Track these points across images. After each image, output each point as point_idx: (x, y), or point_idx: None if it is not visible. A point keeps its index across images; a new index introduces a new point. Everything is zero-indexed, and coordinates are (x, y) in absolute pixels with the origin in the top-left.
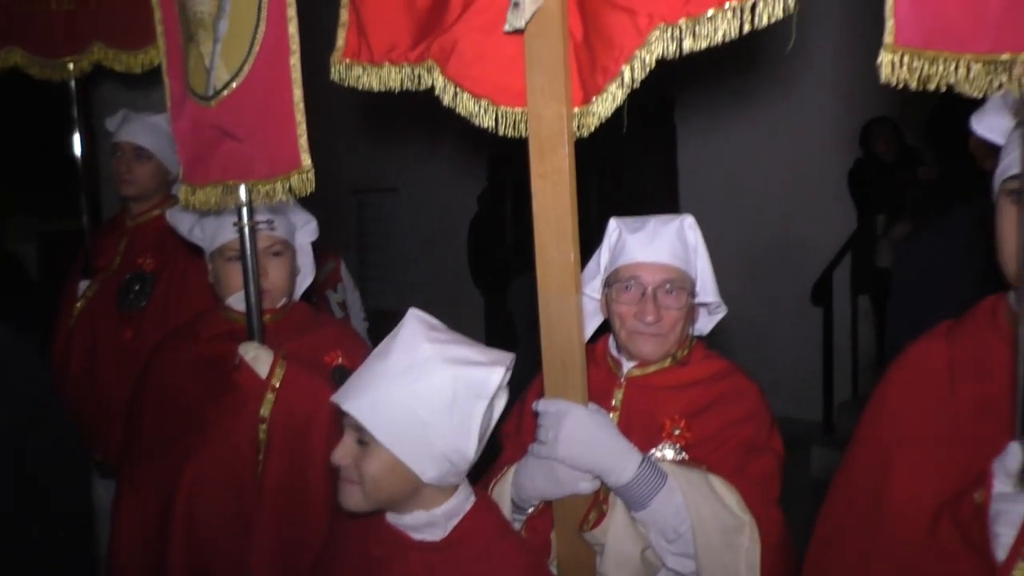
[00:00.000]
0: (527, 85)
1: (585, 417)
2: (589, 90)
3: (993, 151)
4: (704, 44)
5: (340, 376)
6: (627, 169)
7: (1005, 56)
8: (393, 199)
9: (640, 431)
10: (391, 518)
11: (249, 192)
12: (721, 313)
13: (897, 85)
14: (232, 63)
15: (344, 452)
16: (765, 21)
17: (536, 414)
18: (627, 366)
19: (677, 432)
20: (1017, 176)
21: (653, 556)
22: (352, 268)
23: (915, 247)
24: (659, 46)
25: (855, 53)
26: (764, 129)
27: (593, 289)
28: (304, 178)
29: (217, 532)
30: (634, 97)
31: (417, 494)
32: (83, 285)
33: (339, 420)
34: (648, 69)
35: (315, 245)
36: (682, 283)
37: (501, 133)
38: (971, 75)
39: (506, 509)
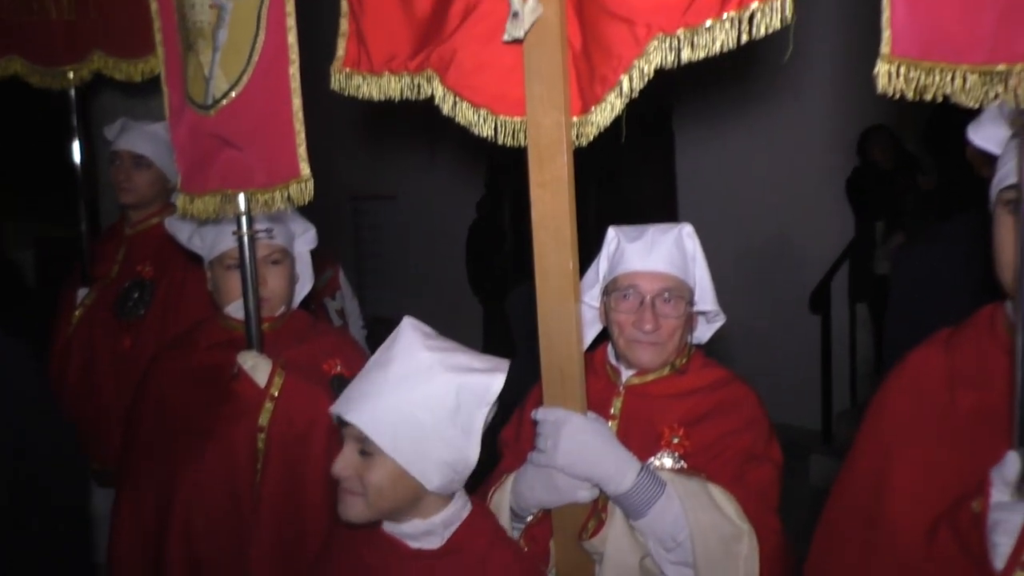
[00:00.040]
0: (526, 94)
1: (584, 425)
2: (588, 99)
3: (990, 159)
4: (702, 54)
5: (339, 384)
6: (626, 178)
7: (1001, 67)
8: (391, 206)
9: (639, 439)
10: (388, 527)
11: (248, 201)
12: (720, 322)
13: (894, 95)
14: (231, 72)
15: (345, 463)
16: (763, 32)
17: (535, 422)
18: (626, 374)
19: (676, 440)
20: (1014, 186)
21: (652, 565)
22: (350, 275)
23: (913, 255)
24: (657, 56)
25: (852, 61)
26: (762, 138)
27: (592, 297)
28: (303, 187)
29: (215, 540)
30: (632, 106)
31: (417, 503)
32: (81, 293)
33: (338, 431)
34: (647, 79)
35: (313, 253)
36: (680, 292)
37: (500, 142)
38: (967, 86)
39: (505, 518)
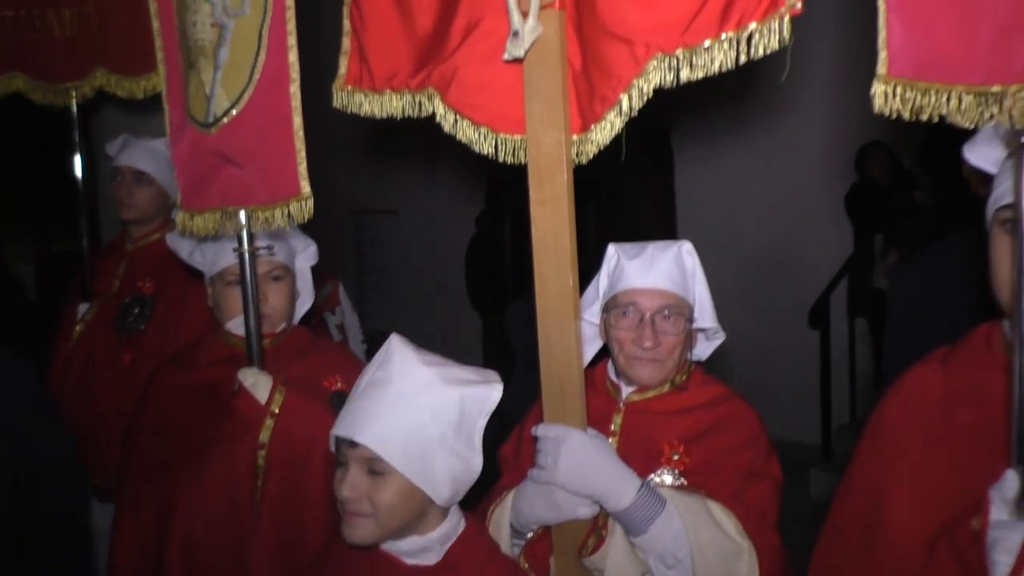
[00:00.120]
0: (526, 113)
1: (584, 442)
2: (588, 118)
3: (986, 178)
4: (701, 74)
5: (339, 401)
6: (625, 195)
7: (996, 88)
8: (393, 221)
9: (639, 456)
10: (385, 544)
11: (248, 218)
12: (719, 339)
13: (890, 115)
14: (232, 91)
15: (353, 485)
16: (761, 52)
17: (535, 439)
18: (626, 391)
19: (676, 457)
20: (1010, 205)
21: None
22: (350, 290)
23: (910, 274)
24: (656, 76)
25: (850, 79)
26: (760, 155)
27: (592, 314)
28: (303, 205)
29: (215, 557)
30: (632, 125)
31: (421, 519)
32: (82, 308)
33: (337, 453)
34: (646, 98)
35: (313, 268)
36: (680, 309)
37: (501, 160)
38: (963, 106)
39: (505, 534)
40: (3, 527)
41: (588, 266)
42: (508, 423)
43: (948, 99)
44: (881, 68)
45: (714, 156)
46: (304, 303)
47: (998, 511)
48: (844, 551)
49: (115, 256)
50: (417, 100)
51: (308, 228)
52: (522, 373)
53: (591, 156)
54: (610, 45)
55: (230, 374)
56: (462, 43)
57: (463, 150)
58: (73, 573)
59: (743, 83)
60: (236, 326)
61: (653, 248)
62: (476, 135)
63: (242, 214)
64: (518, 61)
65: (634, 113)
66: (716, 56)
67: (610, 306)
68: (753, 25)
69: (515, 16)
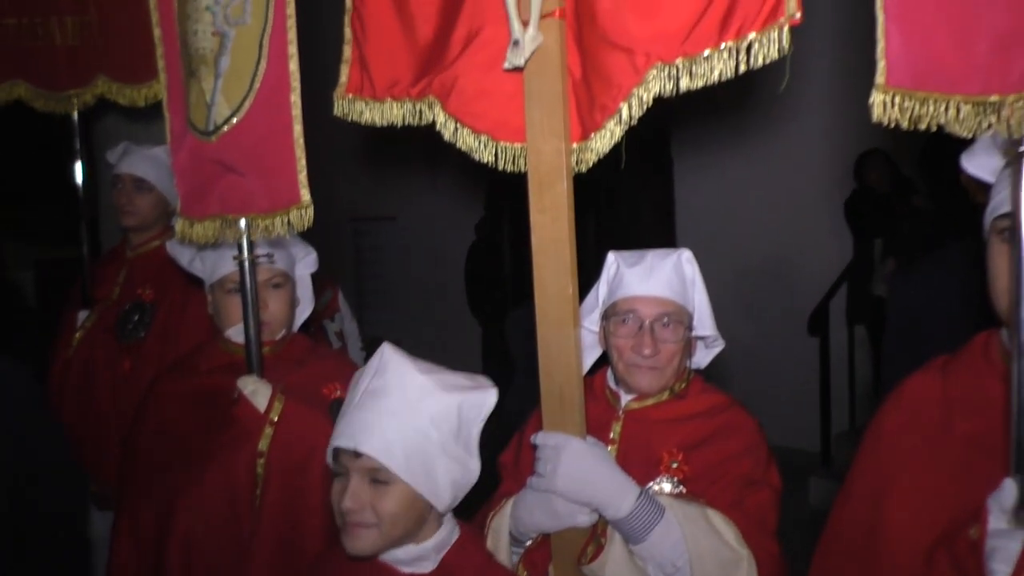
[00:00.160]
0: (526, 121)
1: (583, 450)
2: (587, 127)
3: (984, 186)
4: (701, 83)
5: (338, 409)
6: (624, 203)
7: (994, 98)
8: (391, 228)
9: (638, 464)
10: (381, 554)
11: (248, 226)
12: (718, 347)
13: (889, 124)
14: (233, 99)
15: (355, 496)
16: (760, 61)
17: (534, 447)
18: (625, 399)
19: (675, 465)
20: (1008, 214)
21: None
22: (351, 296)
23: (909, 282)
24: (656, 85)
25: (849, 87)
26: (759, 163)
27: (591, 322)
28: (303, 213)
29: (214, 564)
30: (631, 133)
31: (420, 527)
32: (82, 315)
33: (335, 463)
34: (646, 107)
35: (313, 275)
36: (679, 317)
37: (501, 168)
38: (961, 116)
39: (504, 542)
40: (3, 527)
41: (588, 274)
42: (508, 430)
43: (946, 108)
44: (880, 77)
45: (713, 164)
46: (304, 310)
47: (996, 520)
48: (843, 558)
49: (115, 263)
50: (418, 108)
51: (307, 234)
52: (522, 380)
53: (591, 164)
54: (610, 54)
55: (230, 382)
56: (463, 52)
57: (462, 157)
58: (72, 567)
59: (742, 92)
60: (236, 333)
61: (653, 256)
62: (476, 143)
63: (242, 222)
64: (518, 70)
65: (634, 122)
66: (716, 65)
67: (609, 313)
68: (752, 35)
69: (515, 25)
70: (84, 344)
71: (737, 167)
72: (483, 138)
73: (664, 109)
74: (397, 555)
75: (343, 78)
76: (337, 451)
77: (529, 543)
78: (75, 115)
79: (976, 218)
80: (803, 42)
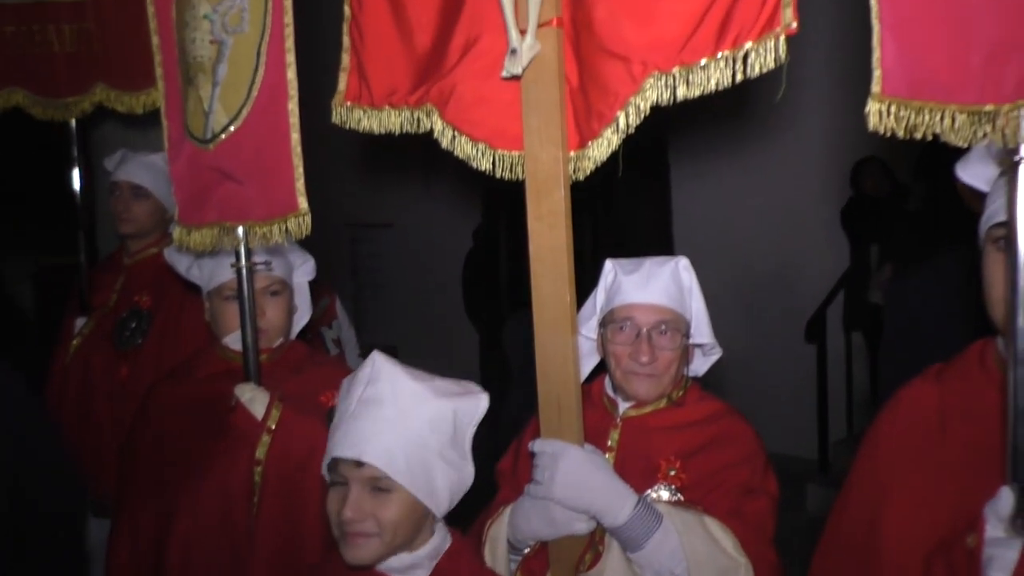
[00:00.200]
0: (524, 129)
1: (581, 458)
2: (585, 135)
3: (979, 194)
4: (697, 92)
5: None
6: (622, 211)
7: (989, 107)
8: (388, 235)
9: (636, 472)
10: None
11: (246, 234)
12: (716, 355)
13: (885, 133)
14: (231, 107)
15: (357, 506)
16: (757, 71)
17: (532, 454)
18: (623, 406)
19: (672, 473)
20: (1003, 223)
21: None
22: (347, 303)
23: (907, 288)
24: (653, 93)
25: (846, 94)
26: (756, 170)
27: (589, 329)
28: (301, 221)
29: (211, 572)
30: (628, 140)
31: (417, 535)
32: (79, 322)
33: (331, 473)
34: (643, 115)
35: (310, 282)
36: (676, 324)
37: (498, 176)
38: (956, 125)
39: (502, 550)
40: (3, 527)
41: (585, 281)
42: (506, 437)
43: (942, 118)
44: (875, 87)
45: (710, 172)
46: (301, 318)
47: (993, 528)
48: (840, 566)
49: (113, 270)
50: (415, 116)
51: (304, 241)
52: (519, 387)
53: (588, 172)
54: (607, 63)
55: (227, 389)
56: (460, 60)
57: (459, 164)
58: (72, 566)
59: (739, 100)
60: (233, 341)
61: (650, 264)
62: (474, 151)
63: (240, 229)
64: (516, 78)
65: (631, 130)
66: (712, 74)
67: (607, 321)
68: (749, 44)
69: (513, 34)
70: (81, 351)
71: (734, 175)
72: (481, 146)
73: (661, 117)
74: (391, 563)
75: (341, 86)
76: (335, 461)
77: (527, 551)
78: (73, 122)
79: (971, 223)
80: (800, 51)
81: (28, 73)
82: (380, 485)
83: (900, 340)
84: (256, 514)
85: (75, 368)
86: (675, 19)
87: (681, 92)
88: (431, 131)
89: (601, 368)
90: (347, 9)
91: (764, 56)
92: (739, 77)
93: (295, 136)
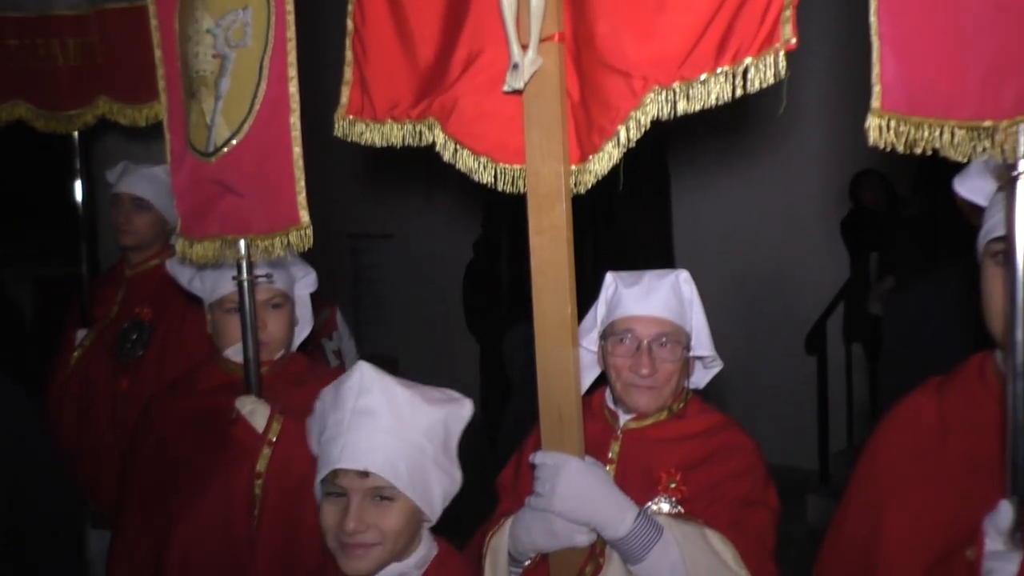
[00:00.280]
0: (526, 143)
1: (582, 470)
2: (586, 149)
3: (977, 208)
4: (698, 106)
5: None
6: (623, 224)
7: (987, 123)
8: (389, 245)
9: (636, 484)
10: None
11: (248, 247)
12: (717, 367)
13: (885, 148)
14: (233, 120)
15: (359, 516)
16: (757, 86)
17: (533, 466)
18: (624, 418)
19: (673, 485)
20: (1001, 238)
21: None
22: (347, 315)
23: (907, 300)
24: (654, 108)
25: (846, 107)
26: (756, 183)
27: (590, 342)
28: (302, 234)
29: None
30: (629, 153)
31: (412, 542)
32: (80, 334)
33: (327, 486)
34: (643, 129)
35: (311, 293)
36: (677, 336)
37: (500, 189)
38: (955, 140)
39: (503, 562)
40: (3, 527)
41: (586, 294)
42: (506, 449)
43: (941, 133)
44: (875, 102)
45: (711, 185)
46: (303, 330)
47: (992, 542)
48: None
49: (114, 282)
50: (417, 130)
51: (305, 252)
52: (520, 398)
53: (589, 186)
54: (608, 77)
55: (228, 401)
56: (463, 74)
57: (461, 175)
58: (72, 565)
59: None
60: (235, 353)
61: (651, 276)
62: (476, 164)
63: (242, 243)
64: (518, 92)
65: (632, 144)
66: (712, 89)
67: (607, 333)
68: (749, 60)
69: (515, 48)
70: (82, 363)
71: (734, 187)
72: (483, 159)
73: (662, 130)
74: (383, 572)
75: (344, 99)
76: (334, 473)
77: (528, 563)
78: (75, 134)
79: (970, 236)
80: (799, 65)
81: (31, 86)
82: (383, 495)
83: (900, 352)
84: (256, 526)
85: (75, 380)
86: (675, 35)
87: (681, 107)
88: (433, 144)
89: (602, 380)
90: (350, 23)
91: (764, 71)
92: (739, 92)
93: (297, 150)
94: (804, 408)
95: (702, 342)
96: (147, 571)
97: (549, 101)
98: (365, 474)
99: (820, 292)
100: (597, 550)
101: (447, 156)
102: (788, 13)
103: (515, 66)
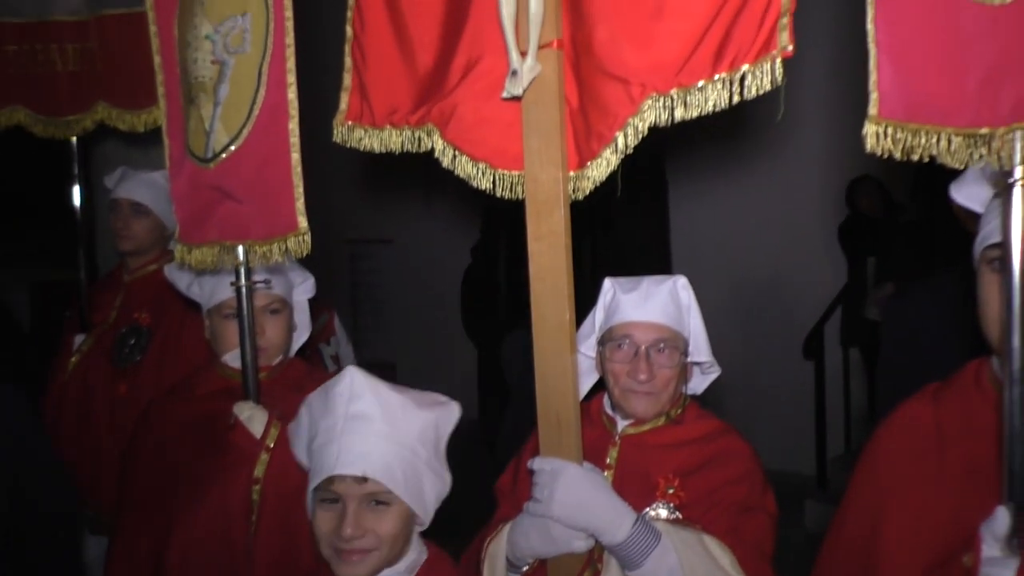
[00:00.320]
0: (524, 150)
1: (580, 476)
2: (584, 155)
3: (974, 215)
4: (695, 113)
5: None
6: (621, 230)
7: (984, 130)
8: (388, 250)
9: (634, 490)
10: None
11: (246, 253)
12: (715, 373)
13: (882, 155)
14: (232, 127)
15: (357, 522)
16: (754, 93)
17: (531, 472)
18: (621, 424)
19: (671, 491)
20: (997, 244)
21: None
22: (345, 320)
23: (905, 306)
24: (652, 114)
25: (843, 113)
26: (754, 189)
27: (588, 347)
28: (301, 240)
29: None
30: (627, 160)
31: (406, 546)
32: (78, 339)
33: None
34: (641, 136)
35: (309, 298)
36: (675, 342)
37: (499, 195)
38: (952, 147)
39: (501, 567)
40: (3, 527)
41: (584, 300)
42: (505, 454)
43: (938, 140)
44: (872, 109)
45: (708, 191)
46: (301, 335)
47: (989, 548)
48: None
49: (112, 287)
50: (416, 136)
51: (303, 257)
52: (518, 404)
53: (587, 192)
54: (606, 84)
55: (226, 407)
56: (462, 80)
57: (460, 181)
58: (72, 564)
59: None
60: (233, 358)
61: (649, 282)
62: (475, 170)
63: (240, 248)
64: (517, 99)
65: (630, 151)
66: (710, 96)
67: (606, 339)
68: (746, 67)
69: (514, 55)
70: (80, 368)
71: (732, 193)
72: (481, 166)
73: (660, 136)
74: None
75: (343, 105)
76: (329, 479)
77: (526, 568)
78: (74, 140)
79: (967, 242)
80: (797, 71)
81: (30, 91)
82: (379, 499)
83: (898, 357)
84: (254, 532)
85: (74, 385)
86: (673, 42)
87: (679, 113)
88: (432, 150)
89: (600, 386)
90: (349, 30)
91: (761, 78)
92: (736, 99)
93: (295, 156)
94: (802, 413)
95: (700, 348)
96: (146, 573)
97: (548, 108)
98: (362, 479)
99: (817, 297)
100: (595, 556)
101: (446, 162)
102: (785, 20)
103: (514, 73)
